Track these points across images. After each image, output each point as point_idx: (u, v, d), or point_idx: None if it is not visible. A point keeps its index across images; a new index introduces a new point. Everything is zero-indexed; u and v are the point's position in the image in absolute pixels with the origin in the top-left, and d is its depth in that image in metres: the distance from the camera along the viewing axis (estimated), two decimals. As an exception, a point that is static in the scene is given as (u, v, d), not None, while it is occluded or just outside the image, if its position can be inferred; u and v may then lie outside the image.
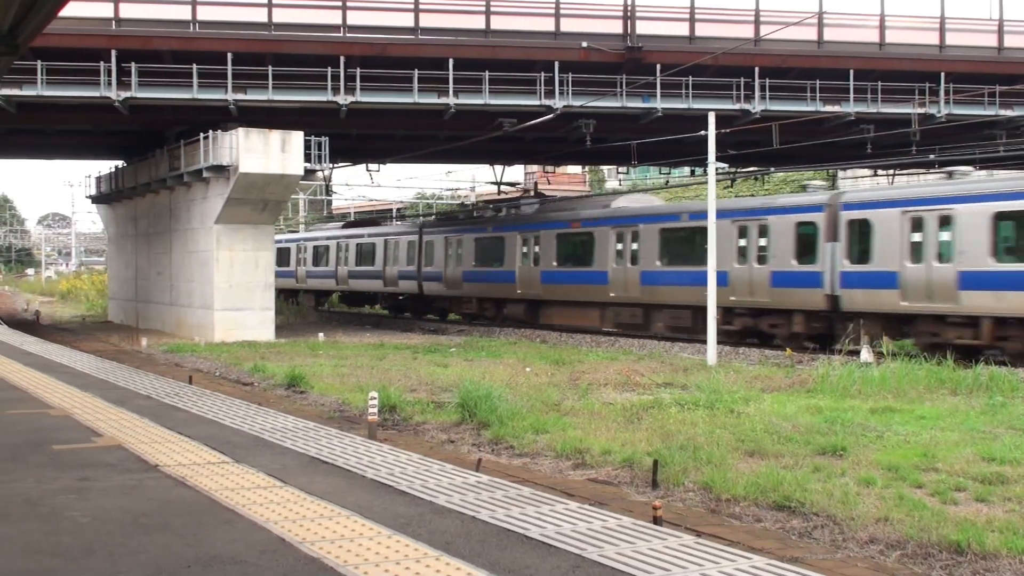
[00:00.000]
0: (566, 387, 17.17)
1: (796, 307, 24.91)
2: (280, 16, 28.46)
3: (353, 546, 5.83)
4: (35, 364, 17.20)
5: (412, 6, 28.81)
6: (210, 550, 5.75)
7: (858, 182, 42.91)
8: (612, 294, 29.85)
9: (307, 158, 29.50)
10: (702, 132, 24.07)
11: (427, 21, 28.87)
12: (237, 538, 6.01)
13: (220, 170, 28.87)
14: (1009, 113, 31.15)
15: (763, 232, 25.67)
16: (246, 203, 29.30)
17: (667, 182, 46.89)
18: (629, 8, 29.44)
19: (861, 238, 23.48)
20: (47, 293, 74.96)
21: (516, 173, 60.93)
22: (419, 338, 31.37)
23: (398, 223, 49.55)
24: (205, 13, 28.13)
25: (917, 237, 22.18)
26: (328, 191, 57.28)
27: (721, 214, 24.62)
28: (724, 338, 25.05)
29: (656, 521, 7.34)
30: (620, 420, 13.26)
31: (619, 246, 29.83)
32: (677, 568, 5.51)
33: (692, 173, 41.60)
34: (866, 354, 21.01)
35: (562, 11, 29.63)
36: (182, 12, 28.12)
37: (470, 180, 67.94)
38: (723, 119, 27.51)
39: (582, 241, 31.80)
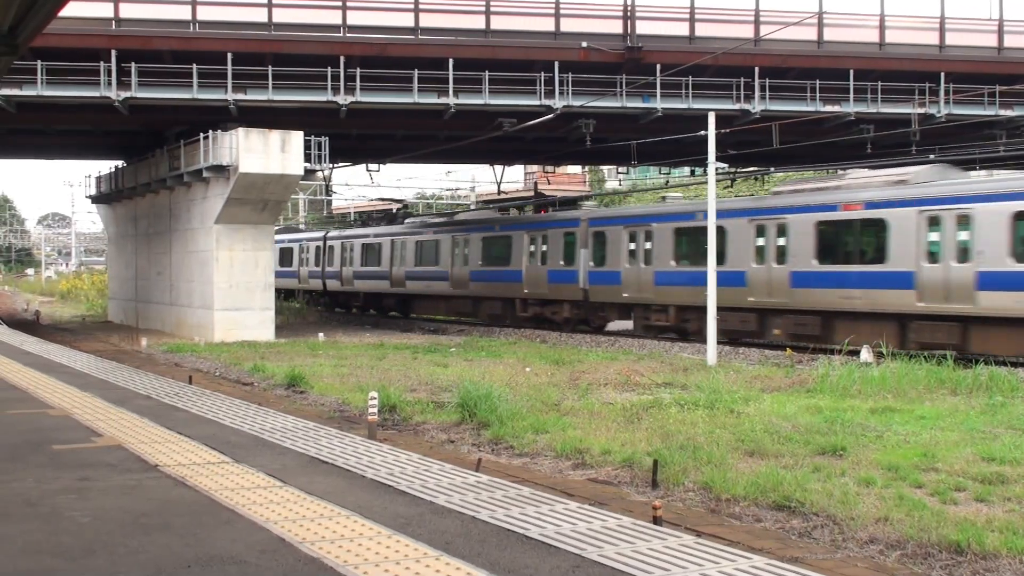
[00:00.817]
0: (566, 387, 17.17)
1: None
2: (280, 16, 28.47)
3: (353, 546, 5.83)
4: (35, 364, 17.20)
5: (412, 6, 28.81)
6: (210, 550, 5.75)
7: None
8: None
9: (307, 158, 29.50)
10: (702, 132, 24.07)
11: (427, 21, 28.87)
12: (237, 538, 6.01)
13: (220, 170, 28.87)
14: (1009, 113, 31.15)
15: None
16: (246, 203, 29.31)
17: (667, 182, 46.93)
18: (629, 8, 29.45)
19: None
20: (47, 293, 74.95)
21: (516, 173, 61.04)
22: (419, 338, 31.38)
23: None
24: (205, 13, 28.13)
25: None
26: (328, 191, 57.32)
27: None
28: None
29: (656, 521, 7.34)
30: (620, 420, 13.26)
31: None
32: (677, 568, 5.51)
33: (692, 173, 41.63)
34: (866, 354, 21.01)
35: (562, 11, 29.63)
36: (182, 12, 28.12)
37: (470, 180, 68.02)
38: (723, 119, 27.51)
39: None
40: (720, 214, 24.34)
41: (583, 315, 31.74)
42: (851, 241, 23.99)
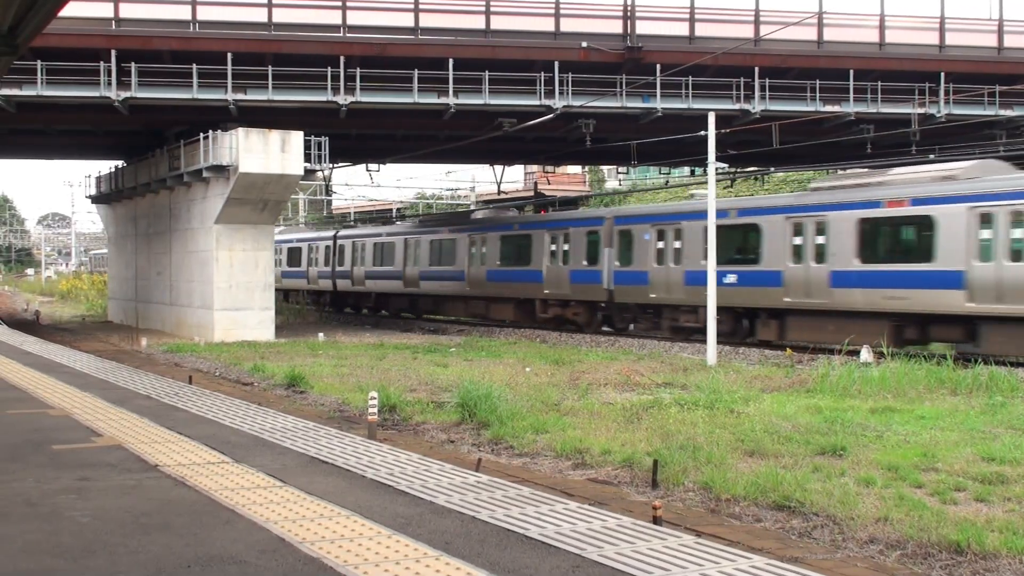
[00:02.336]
0: (566, 387, 17.17)
1: None
2: (280, 16, 28.46)
3: (353, 546, 5.83)
4: (35, 364, 17.20)
5: (412, 6, 28.81)
6: (210, 550, 5.75)
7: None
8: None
9: (307, 158, 29.50)
10: (702, 132, 24.08)
11: (427, 21, 28.87)
12: (237, 538, 6.02)
13: (220, 170, 28.88)
14: (1009, 113, 31.15)
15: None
16: (246, 203, 29.31)
17: (667, 182, 46.93)
18: (629, 8, 29.45)
19: None
20: (47, 293, 74.94)
21: (516, 173, 61.03)
22: (419, 338, 31.37)
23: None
24: (205, 13, 28.13)
25: None
26: (328, 191, 57.32)
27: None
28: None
29: (656, 521, 7.33)
30: (620, 420, 13.26)
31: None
32: (677, 568, 5.51)
33: (692, 173, 41.64)
34: (866, 354, 21.00)
35: (562, 11, 29.62)
36: (182, 12, 28.12)
37: (470, 180, 68.03)
38: (723, 119, 27.52)
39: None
40: (754, 211, 23.58)
41: (607, 316, 30.78)
42: (896, 239, 23.12)
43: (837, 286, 23.41)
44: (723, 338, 24.87)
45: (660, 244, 27.94)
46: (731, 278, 25.37)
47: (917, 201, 22.40)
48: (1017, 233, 20.66)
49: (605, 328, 31.08)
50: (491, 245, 35.35)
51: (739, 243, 26.32)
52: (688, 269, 26.85)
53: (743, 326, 26.28)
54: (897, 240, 23.20)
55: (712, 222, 23.28)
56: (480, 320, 36.94)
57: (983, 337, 20.93)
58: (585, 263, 30.71)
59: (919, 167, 25.03)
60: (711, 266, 23.11)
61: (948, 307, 21.36)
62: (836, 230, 23.56)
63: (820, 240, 24.00)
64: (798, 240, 24.50)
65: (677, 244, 27.39)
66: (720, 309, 24.25)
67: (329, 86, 27.85)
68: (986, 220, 21.01)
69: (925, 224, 22.20)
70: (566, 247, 31.67)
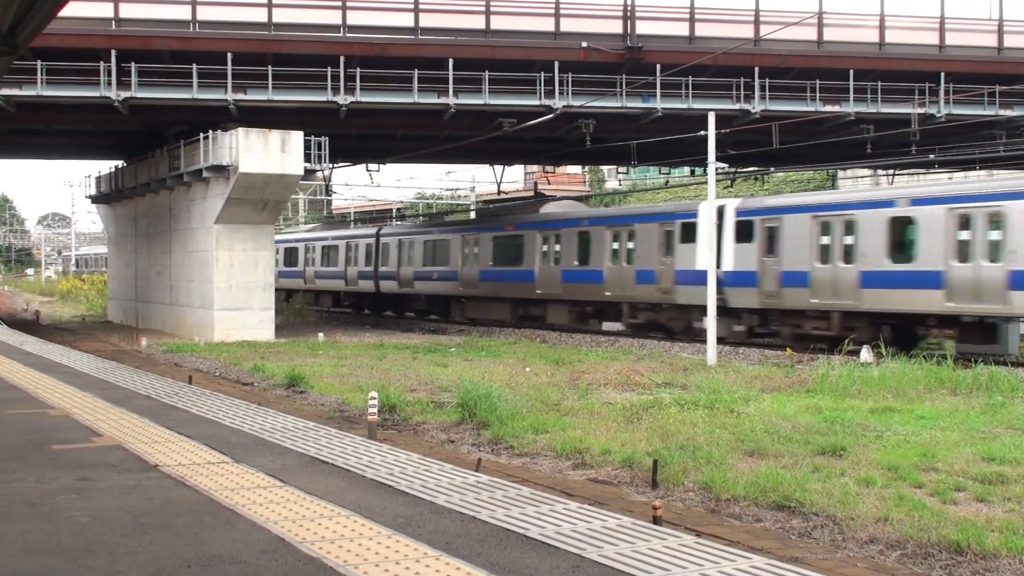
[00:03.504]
0: (566, 387, 17.17)
1: None
2: (280, 16, 28.46)
3: (353, 546, 5.83)
4: (35, 364, 17.20)
5: (412, 6, 28.80)
6: (210, 550, 5.75)
7: (857, 183, 42.98)
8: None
9: (307, 158, 29.51)
10: (702, 132, 24.08)
11: (427, 21, 28.87)
12: (237, 538, 6.01)
13: (220, 170, 28.88)
14: (1009, 113, 31.14)
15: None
16: (246, 203, 29.31)
17: (667, 182, 46.94)
18: (629, 8, 29.44)
19: None
20: (47, 293, 74.93)
21: (516, 173, 61.01)
22: (419, 338, 31.37)
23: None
24: (205, 13, 28.13)
25: None
26: (328, 191, 57.35)
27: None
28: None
29: (656, 521, 7.33)
30: (620, 420, 13.26)
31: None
32: (677, 568, 5.51)
33: (692, 173, 41.64)
34: (866, 354, 21.01)
35: (562, 11, 29.62)
36: (182, 12, 28.11)
37: (470, 180, 68.03)
38: (723, 119, 27.51)
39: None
40: (859, 205, 22.23)
41: (685, 321, 27.65)
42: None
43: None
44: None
45: (825, 239, 24.28)
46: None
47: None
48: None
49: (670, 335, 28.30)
50: (566, 243, 31.90)
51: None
52: (864, 269, 23.28)
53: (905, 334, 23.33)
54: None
55: (713, 222, 23.23)
56: (564, 329, 32.00)
57: None
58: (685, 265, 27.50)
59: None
60: (711, 265, 23.02)
61: None
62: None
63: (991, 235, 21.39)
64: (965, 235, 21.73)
65: (849, 239, 23.75)
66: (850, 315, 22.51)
67: (329, 86, 27.84)
68: None
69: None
70: (631, 245, 29.25)
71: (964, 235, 21.47)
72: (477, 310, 36.74)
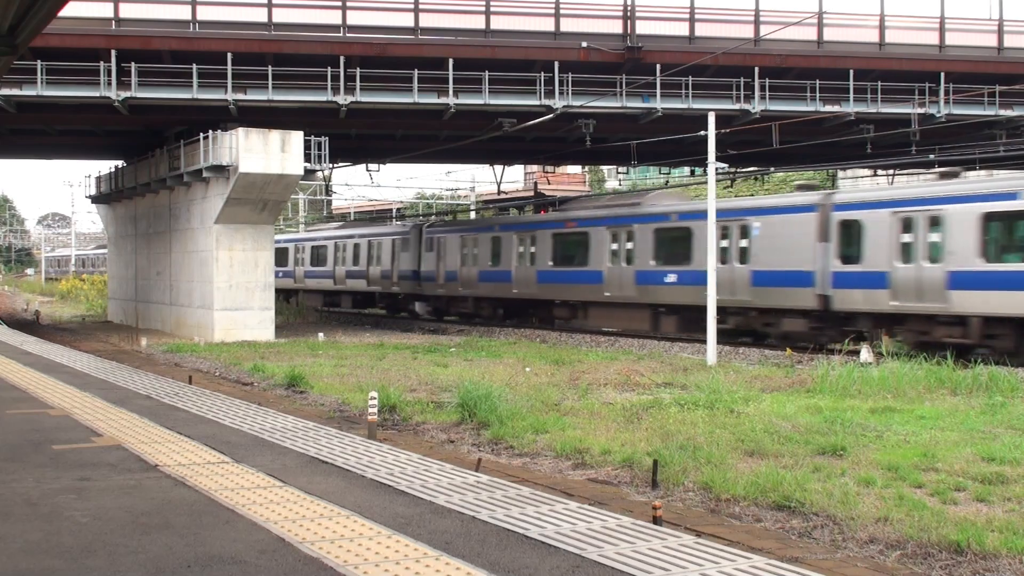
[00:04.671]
0: (566, 387, 17.17)
1: None
2: (280, 16, 28.46)
3: (353, 546, 5.83)
4: (35, 364, 17.20)
5: (412, 6, 28.81)
6: (210, 550, 5.75)
7: (858, 183, 42.99)
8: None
9: (307, 158, 29.51)
10: (702, 132, 24.09)
11: (427, 21, 28.87)
12: (237, 538, 6.01)
13: (220, 170, 28.88)
14: (1009, 113, 31.15)
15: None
16: (246, 203, 29.32)
17: (667, 182, 46.95)
18: (629, 8, 29.45)
19: None
20: (47, 293, 74.96)
21: (516, 173, 61.09)
22: (419, 338, 31.36)
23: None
24: (205, 13, 28.13)
25: None
26: (328, 191, 57.39)
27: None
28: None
29: (656, 521, 7.34)
30: (620, 420, 13.27)
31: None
32: (677, 568, 5.51)
33: (692, 173, 41.67)
34: (866, 354, 21.00)
35: (562, 11, 29.62)
36: (182, 12, 28.12)
37: (470, 180, 68.12)
38: (723, 119, 27.52)
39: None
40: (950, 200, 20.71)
41: (819, 329, 24.35)
42: None
43: None
44: (1010, 360, 19.98)
45: (906, 237, 22.38)
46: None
47: None
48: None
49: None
50: (641, 240, 28.85)
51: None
52: (951, 269, 21.41)
53: None
54: None
55: (712, 222, 23.22)
56: (642, 334, 29.18)
57: None
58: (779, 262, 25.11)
59: None
60: (711, 265, 23.03)
61: None
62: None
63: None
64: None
65: (935, 237, 21.83)
66: (1001, 320, 20.52)
67: (329, 86, 27.85)
68: None
69: None
70: (742, 243, 26.06)
71: None
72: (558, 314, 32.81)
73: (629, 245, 29.42)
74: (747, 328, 26.63)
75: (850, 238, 23.59)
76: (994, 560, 7.34)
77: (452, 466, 8.60)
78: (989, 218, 20.94)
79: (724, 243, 25.92)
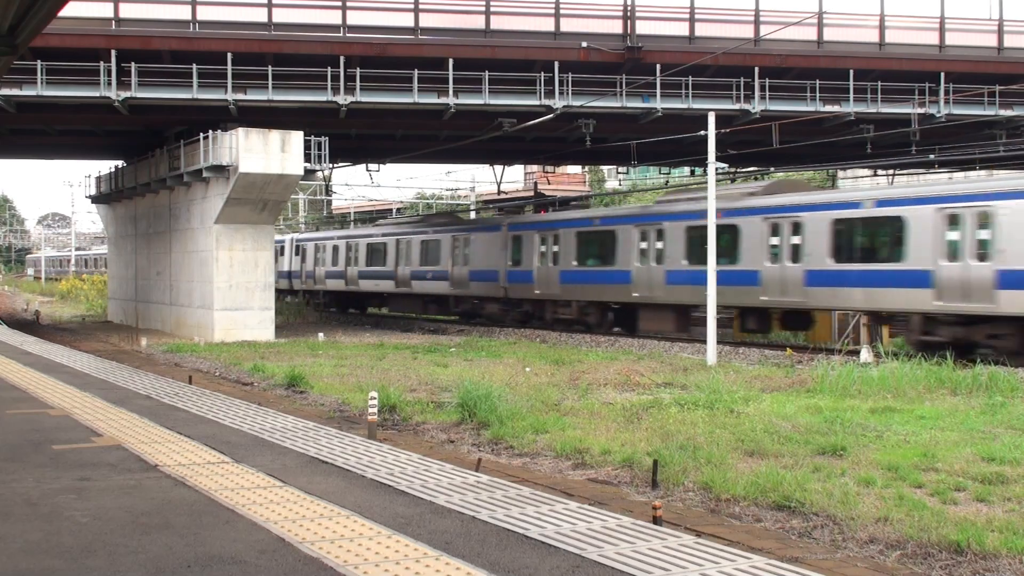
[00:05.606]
0: (566, 387, 17.17)
1: None
2: (280, 16, 28.47)
3: (353, 546, 5.83)
4: (35, 364, 17.20)
5: (412, 6, 28.81)
6: (210, 550, 5.75)
7: (857, 182, 42.98)
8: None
9: (307, 158, 29.51)
10: (702, 132, 24.08)
11: (427, 21, 28.88)
12: (237, 538, 6.02)
13: (220, 170, 28.89)
14: (1009, 113, 31.14)
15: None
16: (246, 203, 29.32)
17: (667, 182, 46.96)
18: (629, 8, 29.44)
19: None
20: (47, 293, 74.95)
21: (516, 173, 61.07)
22: (419, 338, 31.36)
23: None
24: (205, 13, 28.14)
25: None
26: (328, 191, 57.39)
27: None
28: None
29: (656, 521, 7.34)
30: (620, 420, 13.26)
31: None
32: (677, 568, 5.51)
33: (692, 173, 41.70)
34: (866, 354, 21.00)
35: (562, 11, 29.62)
36: (182, 12, 28.12)
37: (470, 180, 68.13)
38: (723, 119, 27.50)
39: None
40: None
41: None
42: None
43: None
44: None
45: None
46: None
47: None
48: None
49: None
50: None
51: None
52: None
53: None
54: None
55: (712, 222, 23.20)
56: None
57: None
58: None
59: None
60: (711, 265, 23.02)
61: None
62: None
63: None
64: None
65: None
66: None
67: (329, 86, 27.85)
68: None
69: None
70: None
71: None
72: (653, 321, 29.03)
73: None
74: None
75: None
76: (994, 560, 7.34)
77: (452, 466, 8.60)
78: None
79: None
